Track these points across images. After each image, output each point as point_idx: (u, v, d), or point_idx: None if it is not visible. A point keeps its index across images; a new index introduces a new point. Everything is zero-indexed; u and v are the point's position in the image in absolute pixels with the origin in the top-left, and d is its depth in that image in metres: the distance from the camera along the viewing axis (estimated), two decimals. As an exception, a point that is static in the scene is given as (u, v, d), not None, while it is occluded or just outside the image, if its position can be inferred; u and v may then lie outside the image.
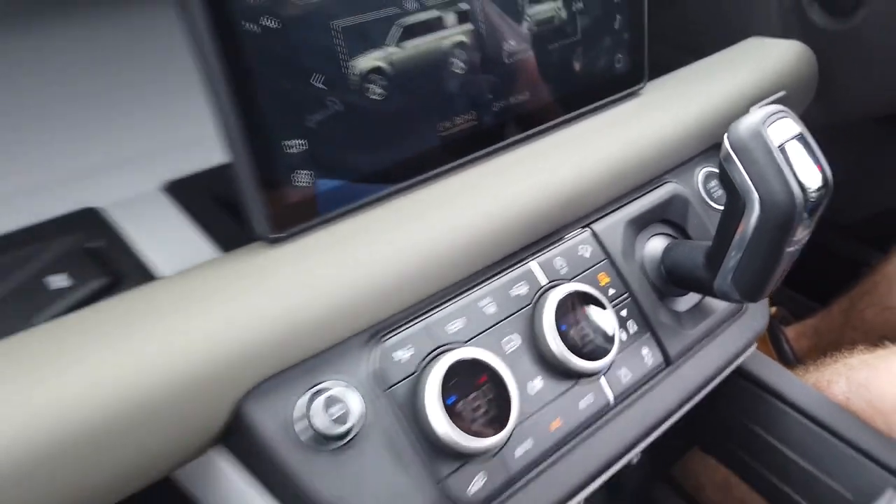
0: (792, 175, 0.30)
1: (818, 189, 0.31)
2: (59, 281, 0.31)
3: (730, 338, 0.40)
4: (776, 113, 0.32)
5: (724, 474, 0.55)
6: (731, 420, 0.47)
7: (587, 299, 0.34)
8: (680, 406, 0.38)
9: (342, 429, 0.28)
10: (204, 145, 0.38)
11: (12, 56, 0.34)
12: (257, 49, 0.27)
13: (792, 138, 0.31)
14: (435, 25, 0.32)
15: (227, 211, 0.36)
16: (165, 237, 0.34)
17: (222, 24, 0.26)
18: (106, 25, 0.36)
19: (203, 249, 0.33)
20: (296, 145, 0.29)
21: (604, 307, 0.35)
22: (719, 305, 0.40)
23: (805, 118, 0.34)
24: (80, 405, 0.24)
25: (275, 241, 0.30)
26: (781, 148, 0.31)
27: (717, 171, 0.45)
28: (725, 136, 0.32)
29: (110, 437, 0.25)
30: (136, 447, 0.26)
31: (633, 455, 0.38)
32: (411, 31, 0.31)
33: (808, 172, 0.31)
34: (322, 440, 0.28)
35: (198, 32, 0.26)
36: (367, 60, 0.30)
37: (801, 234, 0.33)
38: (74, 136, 0.35)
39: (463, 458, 0.30)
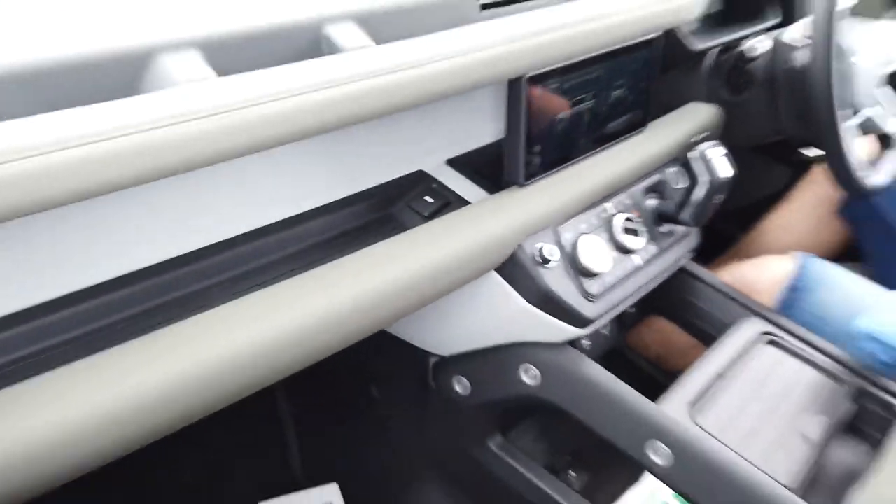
0: (719, 170, 0.77)
1: (730, 177, 0.77)
2: (428, 198, 0.72)
3: (684, 244, 0.87)
4: (716, 144, 0.78)
5: (663, 333, 1.02)
6: (676, 293, 0.93)
7: (630, 222, 0.79)
8: (665, 272, 0.84)
9: (553, 258, 0.70)
10: (465, 141, 0.79)
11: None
12: (534, 100, 0.70)
13: (721, 155, 0.78)
14: (585, 99, 0.75)
15: (476, 173, 0.77)
16: (458, 184, 0.75)
17: (529, 86, 0.68)
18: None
19: (478, 191, 0.75)
20: (538, 144, 0.72)
21: (637, 226, 0.80)
22: (680, 230, 0.86)
23: (718, 147, 0.80)
24: (466, 250, 0.66)
25: (523, 186, 0.72)
26: (716, 159, 0.77)
27: (679, 169, 0.91)
28: (691, 153, 0.78)
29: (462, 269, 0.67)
30: (476, 268, 0.68)
31: (632, 303, 0.83)
32: (578, 101, 0.75)
33: (726, 170, 0.77)
34: (544, 262, 0.70)
35: (514, 100, 0.68)
36: (563, 113, 0.73)
37: (720, 197, 0.79)
38: (406, 139, 0.75)
39: (592, 276, 0.74)
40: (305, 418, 1.09)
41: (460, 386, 0.84)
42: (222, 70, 0.50)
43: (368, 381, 0.98)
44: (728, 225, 1.30)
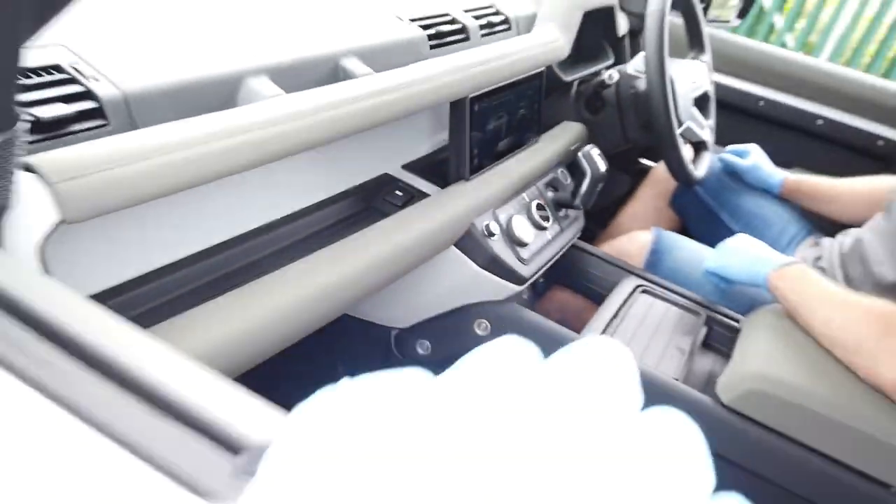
0: (599, 166, 1.05)
1: (606, 170, 1.06)
2: (398, 192, 0.93)
3: (576, 225, 1.15)
4: (594, 147, 1.06)
5: (562, 301, 1.29)
6: (572, 264, 1.21)
7: (541, 208, 1.05)
8: (566, 245, 1.10)
9: (495, 232, 0.94)
10: (411, 151, 1.01)
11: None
12: (473, 115, 0.94)
13: (598, 155, 1.06)
14: (502, 116, 1.01)
15: (425, 174, 1.00)
16: (416, 182, 0.97)
17: (470, 105, 0.92)
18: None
19: (430, 186, 0.97)
20: (475, 148, 0.96)
21: (546, 211, 1.06)
22: (572, 214, 1.14)
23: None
24: (435, 227, 0.88)
25: (468, 180, 0.96)
26: (596, 157, 1.06)
27: (564, 170, 1.20)
28: (580, 153, 1.06)
29: (432, 242, 0.89)
30: (442, 241, 0.90)
31: (547, 268, 1.09)
32: (500, 117, 1.00)
33: (603, 165, 1.06)
34: (490, 235, 0.94)
35: (459, 115, 0.92)
36: (489, 125, 0.98)
37: (601, 185, 1.08)
38: (374, 149, 0.97)
39: (523, 245, 0.99)
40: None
41: (422, 348, 1.04)
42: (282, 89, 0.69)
43: (336, 362, 1.15)
44: (590, 224, 1.61)
